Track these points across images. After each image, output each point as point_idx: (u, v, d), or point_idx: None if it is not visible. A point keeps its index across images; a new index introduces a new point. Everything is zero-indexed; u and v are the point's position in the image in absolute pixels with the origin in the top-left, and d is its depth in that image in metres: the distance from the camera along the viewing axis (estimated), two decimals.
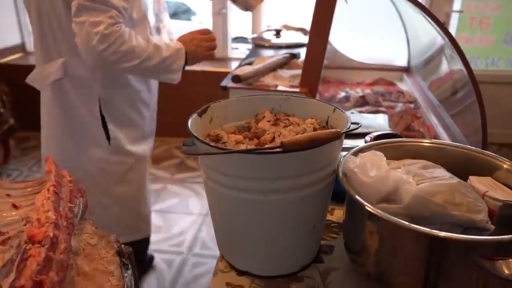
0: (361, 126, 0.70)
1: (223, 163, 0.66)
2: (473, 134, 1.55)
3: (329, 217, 0.91)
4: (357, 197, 0.65)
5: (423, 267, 0.60)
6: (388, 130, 1.08)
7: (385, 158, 0.72)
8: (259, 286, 0.73)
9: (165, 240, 2.13)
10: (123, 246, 0.81)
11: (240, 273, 0.76)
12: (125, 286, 0.62)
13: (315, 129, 0.79)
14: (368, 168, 0.69)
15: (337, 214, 0.94)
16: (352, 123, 0.72)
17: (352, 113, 1.21)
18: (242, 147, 0.75)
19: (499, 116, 2.94)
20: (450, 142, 0.81)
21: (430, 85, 2.14)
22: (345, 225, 0.76)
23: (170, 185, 2.62)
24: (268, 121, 0.85)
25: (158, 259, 1.98)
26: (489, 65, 3.20)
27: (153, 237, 2.09)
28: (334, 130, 0.63)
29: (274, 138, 0.79)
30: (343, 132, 0.65)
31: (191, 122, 0.74)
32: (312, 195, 0.69)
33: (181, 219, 2.26)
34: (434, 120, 1.80)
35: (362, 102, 2.00)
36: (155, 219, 2.25)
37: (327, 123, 0.82)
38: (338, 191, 0.72)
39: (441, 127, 1.75)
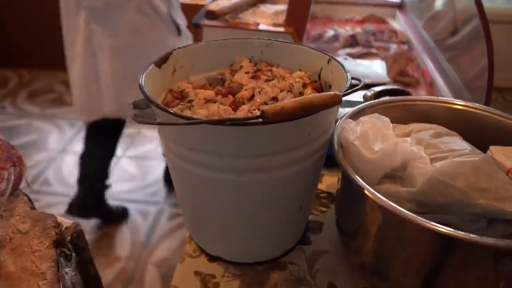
0: (363, 84, 0.55)
1: (188, 135, 0.50)
2: (474, 80, 1.41)
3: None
4: (356, 177, 0.51)
5: (434, 267, 0.48)
6: (386, 80, 0.92)
7: (391, 125, 0.58)
8: (234, 276, 0.61)
9: (140, 189, 2.01)
10: (66, 227, 0.67)
11: (212, 258, 0.64)
12: None
13: (304, 85, 0.63)
14: (371, 139, 0.54)
15: (327, 181, 0.81)
16: (353, 78, 0.57)
17: (345, 58, 1.05)
18: (213, 108, 0.59)
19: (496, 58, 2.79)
20: (468, 103, 0.66)
21: (425, 24, 1.96)
22: (339, 202, 0.63)
23: (144, 130, 2.46)
24: (246, 73, 0.68)
25: (132, 210, 1.86)
26: (487, 2, 3.00)
27: (127, 186, 1.97)
28: (332, 93, 0.47)
29: (253, 95, 0.63)
30: (344, 94, 0.50)
31: (147, 75, 0.57)
32: (299, 173, 0.54)
33: (157, 167, 2.12)
34: (429, 64, 1.65)
35: (352, 42, 1.82)
36: (129, 167, 2.11)
37: (319, 76, 0.66)
38: (329, 154, 0.59)
39: (437, 72, 1.60)
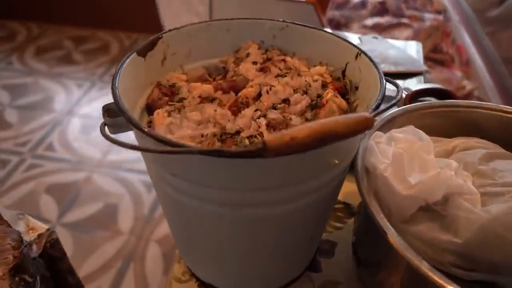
0: (401, 93, 0.42)
1: (169, 159, 0.39)
2: None
3: None
4: (381, 219, 0.40)
5: None
6: (423, 69, 0.78)
7: (432, 146, 0.45)
8: None
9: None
10: (40, 234, 0.58)
11: (203, 284, 0.54)
12: None
13: (324, 85, 0.51)
14: (405, 167, 0.42)
15: (345, 188, 0.68)
16: (388, 81, 0.44)
17: (375, 38, 0.90)
18: (208, 111, 0.48)
19: None
20: None
21: None
22: (358, 232, 0.53)
23: None
24: (253, 63, 0.55)
25: (137, 182, 1.78)
26: None
27: (132, 156, 1.89)
28: (362, 117, 0.35)
29: (260, 94, 0.51)
30: (376, 114, 0.38)
31: (126, 69, 0.45)
32: (310, 205, 0.43)
33: None
34: (466, 39, 1.47)
35: (381, 10, 1.64)
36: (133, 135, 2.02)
37: (343, 73, 0.53)
38: None
39: (475, 48, 1.42)
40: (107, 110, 0.42)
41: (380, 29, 1.44)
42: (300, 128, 0.33)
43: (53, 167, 1.76)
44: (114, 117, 0.42)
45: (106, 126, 0.41)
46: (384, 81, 0.43)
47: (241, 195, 0.39)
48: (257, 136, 0.46)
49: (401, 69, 0.73)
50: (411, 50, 0.85)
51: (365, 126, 0.35)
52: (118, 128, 0.42)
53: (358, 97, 0.50)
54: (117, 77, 0.42)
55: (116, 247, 1.46)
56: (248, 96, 0.51)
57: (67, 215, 1.55)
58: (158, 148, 0.34)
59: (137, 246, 1.47)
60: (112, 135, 0.39)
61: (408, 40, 1.14)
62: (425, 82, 0.75)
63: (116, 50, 2.62)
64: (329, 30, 0.51)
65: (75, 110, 2.11)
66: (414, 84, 0.71)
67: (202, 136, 0.46)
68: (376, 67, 0.46)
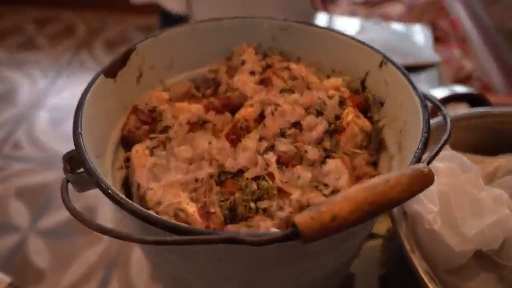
0: (450, 126, 0.33)
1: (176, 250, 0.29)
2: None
3: None
4: (427, 275, 0.32)
5: None
6: (435, 60, 0.70)
7: (480, 178, 0.37)
8: None
9: None
10: None
11: None
12: None
13: (342, 101, 0.41)
14: (455, 212, 0.34)
15: None
16: (427, 100, 0.35)
17: (378, 23, 0.80)
18: (201, 144, 0.38)
19: None
20: None
21: None
22: (389, 271, 0.44)
23: None
24: (251, 73, 0.45)
25: None
26: None
27: None
28: (417, 171, 0.25)
29: (262, 115, 0.41)
30: (429, 161, 0.28)
31: (91, 98, 0.34)
32: (330, 273, 0.34)
33: None
34: (461, 12, 1.38)
35: None
36: None
37: (363, 85, 0.43)
38: None
39: (471, 22, 1.34)
40: (70, 160, 0.32)
41: (371, 5, 1.34)
42: (340, 202, 0.23)
43: (22, 167, 1.62)
44: (80, 167, 0.32)
45: (69, 184, 0.31)
46: (425, 103, 0.34)
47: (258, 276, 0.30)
48: (266, 177, 0.36)
49: (410, 61, 0.64)
50: (417, 35, 0.75)
51: (424, 184, 0.26)
52: (86, 184, 0.31)
53: (384, 115, 0.41)
54: (80, 116, 0.31)
55: (97, 253, 1.36)
56: (248, 118, 0.42)
57: (41, 220, 1.43)
58: (148, 239, 0.25)
59: (120, 250, 1.37)
60: (81, 192, 0.30)
61: (401, 20, 1.05)
62: (439, 75, 0.66)
63: (83, 32, 2.43)
64: (345, 32, 0.41)
65: (42, 102, 1.94)
66: (426, 81, 0.62)
67: (197, 180, 0.36)
68: (410, 81, 0.37)
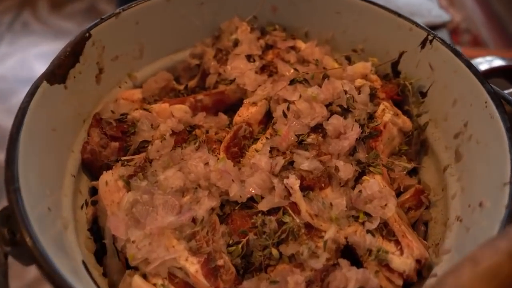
0: None
1: None
2: None
3: None
4: None
5: None
6: (446, 18, 0.60)
7: None
8: None
9: None
10: None
11: None
12: None
13: (373, 93, 0.31)
14: None
15: None
16: (505, 100, 0.26)
17: None
18: (196, 164, 0.28)
19: None
20: None
21: None
22: None
23: None
24: (248, 58, 0.34)
25: None
26: None
27: None
28: None
29: (269, 114, 0.31)
30: None
31: (30, 123, 0.23)
32: None
33: None
34: None
35: None
36: None
37: (395, 70, 0.33)
38: None
39: None
40: (7, 220, 0.21)
41: None
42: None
43: None
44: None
45: (8, 257, 0.21)
46: (501, 105, 0.25)
47: None
48: (289, 210, 0.27)
49: (419, 21, 0.54)
50: None
51: None
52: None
53: (426, 109, 0.32)
54: (15, 160, 0.20)
55: None
56: (252, 121, 0.32)
57: None
58: None
59: None
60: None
61: None
62: (450, 38, 0.57)
63: None
64: None
65: None
66: None
67: (194, 221, 0.26)
68: (471, 68, 0.27)
